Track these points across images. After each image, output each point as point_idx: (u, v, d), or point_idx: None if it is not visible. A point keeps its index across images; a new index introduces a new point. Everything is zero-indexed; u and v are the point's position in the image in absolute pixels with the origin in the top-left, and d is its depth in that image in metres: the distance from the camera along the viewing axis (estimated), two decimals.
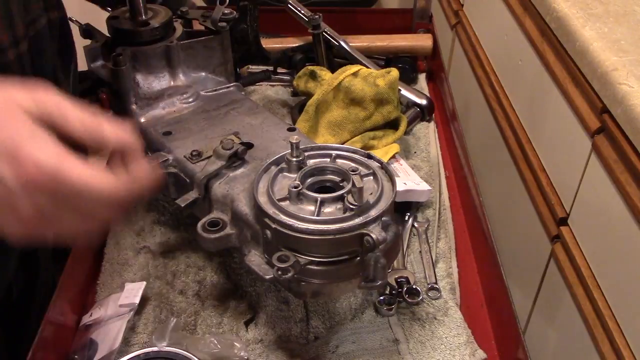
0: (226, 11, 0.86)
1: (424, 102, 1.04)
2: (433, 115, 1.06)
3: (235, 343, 0.68)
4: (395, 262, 0.78)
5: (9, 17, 0.62)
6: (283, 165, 0.66)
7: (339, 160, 0.67)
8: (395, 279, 0.75)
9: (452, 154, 1.01)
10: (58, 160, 0.40)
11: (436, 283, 0.77)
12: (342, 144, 0.89)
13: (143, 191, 0.46)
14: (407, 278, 0.76)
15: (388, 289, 0.75)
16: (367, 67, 1.02)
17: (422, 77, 1.22)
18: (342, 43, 1.10)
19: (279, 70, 1.13)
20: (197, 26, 0.90)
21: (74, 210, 0.42)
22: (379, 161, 0.67)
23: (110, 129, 0.45)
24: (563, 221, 0.79)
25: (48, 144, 0.41)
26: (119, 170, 0.45)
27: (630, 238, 0.64)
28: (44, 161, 0.40)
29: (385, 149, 0.92)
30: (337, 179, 0.64)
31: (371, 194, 0.62)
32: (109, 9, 0.85)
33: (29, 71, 0.63)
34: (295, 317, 0.72)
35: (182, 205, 0.69)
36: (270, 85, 1.15)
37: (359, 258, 0.60)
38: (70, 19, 0.87)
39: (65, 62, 0.71)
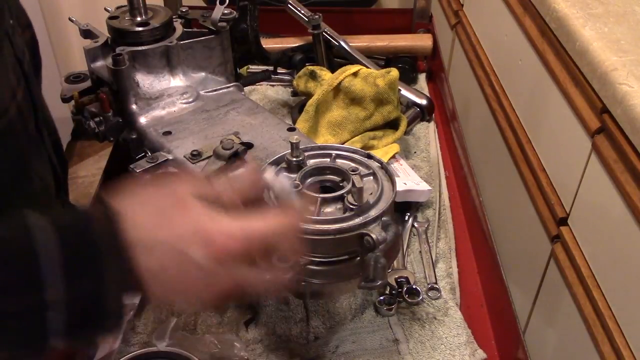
0: (226, 11, 0.86)
1: (424, 102, 1.04)
2: (433, 115, 1.06)
3: (235, 343, 0.68)
4: (395, 262, 0.78)
5: None
6: (283, 165, 0.66)
7: (339, 160, 0.67)
8: (395, 279, 0.75)
9: (452, 154, 1.01)
10: (241, 223, 0.45)
11: (436, 283, 0.77)
12: (342, 144, 0.89)
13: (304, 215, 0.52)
14: (407, 278, 0.76)
15: (388, 289, 0.75)
16: (367, 67, 1.02)
17: (422, 77, 1.22)
18: (342, 43, 1.10)
19: (279, 70, 1.13)
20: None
21: (263, 261, 0.47)
22: (379, 161, 0.67)
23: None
24: (563, 221, 0.79)
25: (225, 216, 0.45)
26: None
27: (630, 238, 0.64)
28: (232, 229, 0.44)
29: (385, 149, 0.92)
30: (337, 178, 0.64)
31: (371, 194, 0.62)
32: (109, 9, 0.85)
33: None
34: (295, 317, 0.72)
35: None
36: (270, 85, 1.15)
37: (359, 258, 0.60)
38: (70, 19, 0.87)
39: (38, 78, 0.73)
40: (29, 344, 0.40)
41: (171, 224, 0.43)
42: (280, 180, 0.58)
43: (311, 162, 0.66)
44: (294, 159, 0.65)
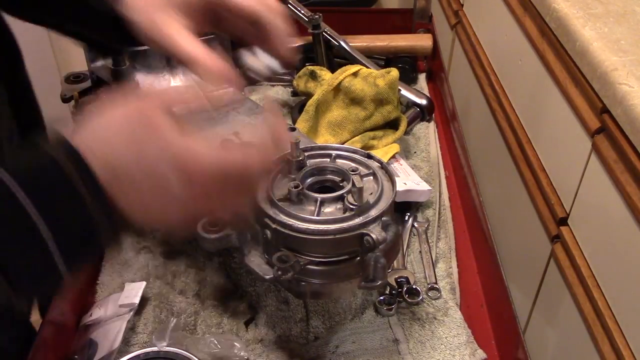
0: None
1: (424, 102, 1.03)
2: (433, 115, 1.06)
3: (235, 343, 0.68)
4: (395, 262, 0.78)
5: None
6: (283, 165, 0.66)
7: (339, 160, 0.67)
8: (395, 279, 0.75)
9: (452, 154, 1.01)
10: (218, 155, 0.46)
11: (436, 283, 0.77)
12: (342, 144, 0.89)
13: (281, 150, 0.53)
14: (407, 278, 0.76)
15: (388, 289, 0.75)
16: (367, 67, 1.02)
17: (422, 77, 1.22)
18: (342, 43, 1.10)
19: None
20: None
21: (232, 190, 0.48)
22: (379, 161, 0.67)
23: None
24: (563, 221, 0.79)
25: (199, 141, 0.45)
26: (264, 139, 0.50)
27: (630, 238, 0.64)
28: (207, 160, 0.45)
29: (385, 149, 0.92)
30: (337, 178, 0.64)
31: (371, 194, 0.62)
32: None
33: None
34: (295, 317, 0.72)
35: None
36: (270, 85, 1.15)
37: (359, 258, 0.60)
38: None
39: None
40: (44, 281, 0.42)
41: (143, 151, 0.44)
42: (261, 59, 0.56)
43: (311, 162, 0.66)
44: (294, 159, 0.65)
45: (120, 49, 0.61)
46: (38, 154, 0.43)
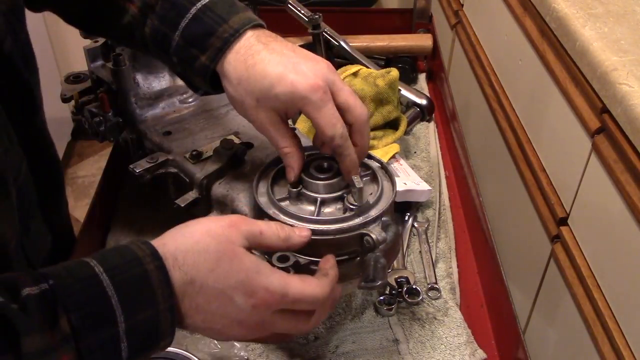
0: None
1: (424, 102, 1.03)
2: (433, 115, 1.06)
3: (235, 343, 0.68)
4: (395, 262, 0.78)
5: None
6: (283, 165, 0.66)
7: None
8: (395, 279, 0.75)
9: (452, 154, 1.01)
10: (282, 282, 0.51)
11: (436, 283, 0.77)
12: None
13: (337, 296, 0.58)
14: (407, 278, 0.76)
15: (388, 289, 0.75)
16: (367, 67, 1.02)
17: (422, 77, 1.22)
18: (342, 43, 1.10)
19: None
20: None
21: (291, 316, 0.54)
22: (379, 161, 0.67)
23: (296, 234, 0.56)
24: (563, 221, 0.79)
25: (270, 273, 0.51)
26: (320, 275, 0.56)
27: (630, 238, 0.64)
28: (272, 286, 0.51)
29: (385, 149, 0.92)
30: (335, 163, 0.63)
31: (371, 194, 0.62)
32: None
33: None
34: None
35: (182, 206, 0.69)
36: None
37: (359, 258, 0.60)
38: None
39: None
40: None
41: (222, 272, 0.50)
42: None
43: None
44: None
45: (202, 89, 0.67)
46: (127, 252, 0.48)
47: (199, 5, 0.60)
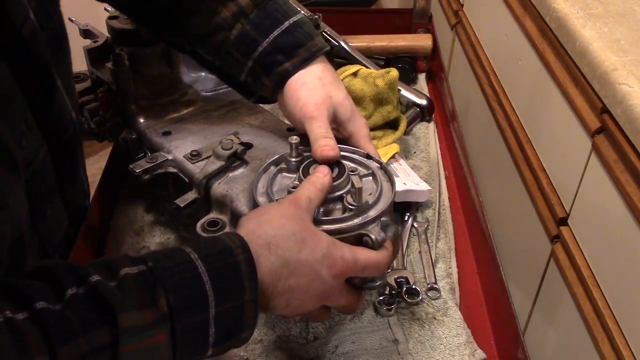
0: None
1: (423, 102, 1.03)
2: (433, 115, 1.06)
3: None
4: (395, 262, 0.78)
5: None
6: (282, 165, 0.66)
7: None
8: (395, 279, 0.75)
9: (452, 154, 1.01)
10: (353, 252, 0.57)
11: (436, 283, 0.77)
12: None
13: (395, 254, 0.64)
14: (406, 278, 0.76)
15: (388, 289, 0.75)
16: (367, 67, 1.02)
17: (422, 77, 1.22)
18: (342, 43, 1.10)
19: None
20: None
21: (352, 289, 0.60)
22: (378, 161, 0.67)
23: (321, 178, 0.61)
24: (563, 221, 0.79)
25: (342, 245, 0.57)
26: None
27: (630, 238, 0.64)
28: (346, 255, 0.57)
29: (385, 149, 0.92)
30: (335, 166, 0.64)
31: (370, 194, 0.62)
32: (109, 9, 0.85)
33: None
34: (295, 317, 0.72)
35: (182, 205, 0.69)
36: None
37: None
38: (70, 19, 0.87)
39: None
40: (193, 355, 0.50)
41: (310, 250, 0.55)
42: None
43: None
44: (294, 159, 0.65)
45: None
46: (218, 242, 0.52)
47: (291, 20, 0.71)
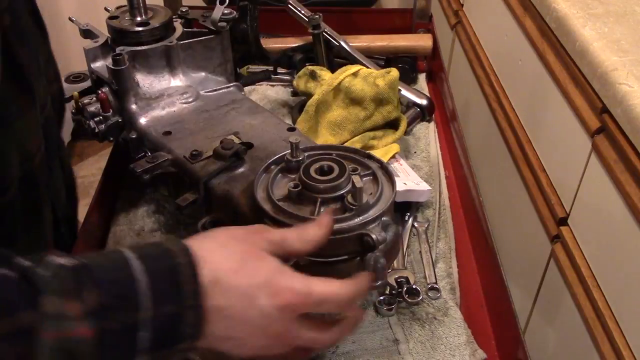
0: (226, 11, 0.86)
1: (424, 102, 1.03)
2: (433, 115, 1.06)
3: None
4: (395, 262, 0.78)
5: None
6: (283, 165, 0.66)
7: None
8: (395, 279, 0.75)
9: (452, 154, 1.01)
10: (306, 282, 0.51)
11: (436, 283, 0.77)
12: (342, 144, 0.89)
13: (366, 287, 0.56)
14: (407, 278, 0.76)
15: (388, 289, 0.75)
16: (367, 67, 1.02)
17: (422, 77, 1.22)
18: (342, 43, 1.10)
19: (279, 70, 1.13)
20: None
21: (311, 323, 0.53)
22: (378, 161, 0.67)
23: (317, 233, 0.55)
24: (563, 221, 0.79)
25: (294, 274, 0.51)
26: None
27: (630, 238, 0.64)
28: (296, 285, 0.50)
29: (385, 149, 0.92)
30: (335, 165, 0.63)
31: (371, 194, 0.62)
32: (109, 9, 0.85)
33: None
34: None
35: (182, 205, 0.69)
36: (270, 85, 1.15)
37: (358, 258, 0.60)
38: (70, 19, 0.87)
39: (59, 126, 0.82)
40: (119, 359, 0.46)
41: (247, 272, 0.50)
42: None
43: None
44: (294, 159, 0.65)
45: None
46: (159, 245, 0.49)
47: None
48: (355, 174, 0.62)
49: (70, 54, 2.48)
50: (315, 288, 0.51)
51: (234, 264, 0.49)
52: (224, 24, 0.86)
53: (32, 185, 0.64)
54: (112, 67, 0.78)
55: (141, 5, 0.82)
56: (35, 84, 0.66)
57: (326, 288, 0.51)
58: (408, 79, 1.16)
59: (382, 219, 0.60)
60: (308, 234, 0.55)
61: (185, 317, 0.47)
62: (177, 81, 0.85)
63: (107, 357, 0.44)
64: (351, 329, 0.57)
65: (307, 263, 0.59)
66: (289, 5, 1.12)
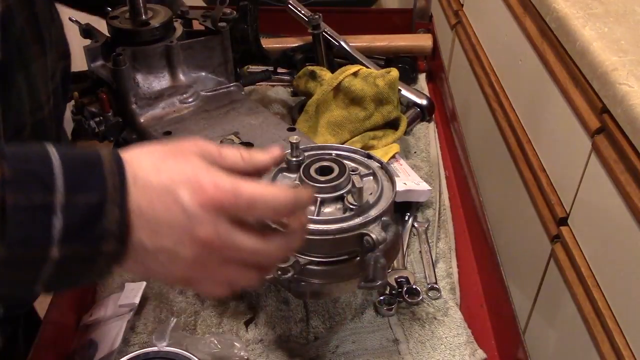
0: (226, 11, 0.86)
1: (424, 102, 1.03)
2: (433, 115, 1.06)
3: (235, 343, 0.68)
4: (395, 262, 0.78)
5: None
6: (283, 165, 0.66)
7: None
8: (395, 279, 0.75)
9: (452, 154, 1.01)
10: (233, 180, 0.46)
11: (436, 283, 0.77)
12: (342, 144, 0.89)
13: (305, 200, 0.51)
14: (407, 278, 0.76)
15: (388, 289, 0.75)
16: (367, 67, 1.02)
17: (422, 77, 1.22)
18: (342, 43, 1.10)
19: (279, 70, 1.13)
20: (197, 26, 0.90)
21: (249, 230, 0.47)
22: (378, 161, 0.67)
23: (261, 154, 0.51)
24: (563, 221, 0.79)
25: (221, 173, 0.47)
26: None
27: (630, 238, 0.64)
28: (222, 182, 0.45)
29: (385, 149, 0.92)
30: (334, 165, 0.64)
31: (371, 194, 0.62)
32: (109, 9, 0.85)
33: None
34: (295, 317, 0.72)
35: None
36: (270, 85, 1.15)
37: (358, 258, 0.60)
38: (71, 19, 0.87)
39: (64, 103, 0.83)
40: (30, 243, 0.41)
41: (168, 168, 0.45)
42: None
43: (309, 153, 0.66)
44: (294, 159, 0.65)
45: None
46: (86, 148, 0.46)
47: None
48: (355, 174, 0.62)
49: (71, 54, 2.48)
50: (243, 187, 0.46)
51: (156, 162, 0.46)
52: (224, 24, 0.86)
53: (42, 136, 0.68)
54: (112, 67, 0.78)
55: (141, 5, 0.82)
56: (45, 34, 0.70)
57: (256, 188, 0.47)
58: (408, 79, 1.16)
59: (382, 219, 0.60)
60: (252, 155, 0.51)
61: (109, 212, 0.42)
62: (177, 81, 0.85)
63: (15, 234, 0.41)
64: (298, 238, 0.51)
65: (306, 262, 0.59)
66: (289, 5, 1.12)
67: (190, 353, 0.64)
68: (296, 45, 1.15)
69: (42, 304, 0.83)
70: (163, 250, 0.45)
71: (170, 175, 0.45)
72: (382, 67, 1.09)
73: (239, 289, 0.56)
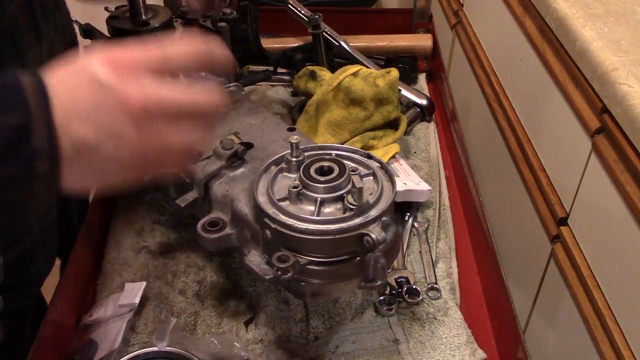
0: (226, 11, 0.86)
1: (424, 102, 1.03)
2: (433, 115, 1.06)
3: (235, 343, 0.68)
4: (395, 262, 0.78)
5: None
6: (283, 165, 0.66)
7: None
8: (395, 279, 0.75)
9: (452, 154, 1.01)
10: (158, 84, 0.46)
11: (436, 283, 0.77)
12: (342, 144, 0.89)
13: (218, 49, 0.52)
14: (407, 278, 0.76)
15: (388, 289, 0.75)
16: (367, 67, 1.02)
17: (422, 77, 1.22)
18: (342, 43, 1.10)
19: (279, 70, 1.13)
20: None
21: (172, 84, 0.47)
22: (378, 161, 0.67)
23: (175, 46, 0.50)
24: (563, 221, 0.79)
25: (147, 78, 0.46)
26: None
27: (630, 238, 0.64)
28: (131, 46, 0.45)
29: (385, 149, 0.92)
30: (335, 166, 0.64)
31: (371, 194, 0.62)
32: (109, 9, 0.85)
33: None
34: (295, 317, 0.72)
35: (182, 205, 0.69)
36: (270, 85, 1.15)
37: (358, 258, 0.60)
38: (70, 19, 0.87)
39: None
40: None
41: (79, 60, 0.45)
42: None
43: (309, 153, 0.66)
44: (294, 159, 0.65)
45: None
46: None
47: None
48: (355, 174, 0.62)
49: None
50: (152, 45, 0.46)
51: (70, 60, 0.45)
52: (224, 24, 0.86)
53: None
54: None
55: (141, 5, 0.82)
56: (42, 23, 0.70)
57: (166, 44, 0.47)
58: (408, 79, 1.16)
59: (382, 219, 0.60)
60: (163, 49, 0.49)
61: (34, 129, 0.42)
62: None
63: None
64: (220, 90, 0.52)
65: (306, 263, 0.59)
66: (289, 5, 1.12)
67: (190, 353, 0.64)
68: (296, 45, 1.15)
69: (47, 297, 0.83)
70: (104, 136, 0.44)
71: (82, 62, 0.45)
72: (382, 67, 1.09)
73: (201, 152, 0.56)
